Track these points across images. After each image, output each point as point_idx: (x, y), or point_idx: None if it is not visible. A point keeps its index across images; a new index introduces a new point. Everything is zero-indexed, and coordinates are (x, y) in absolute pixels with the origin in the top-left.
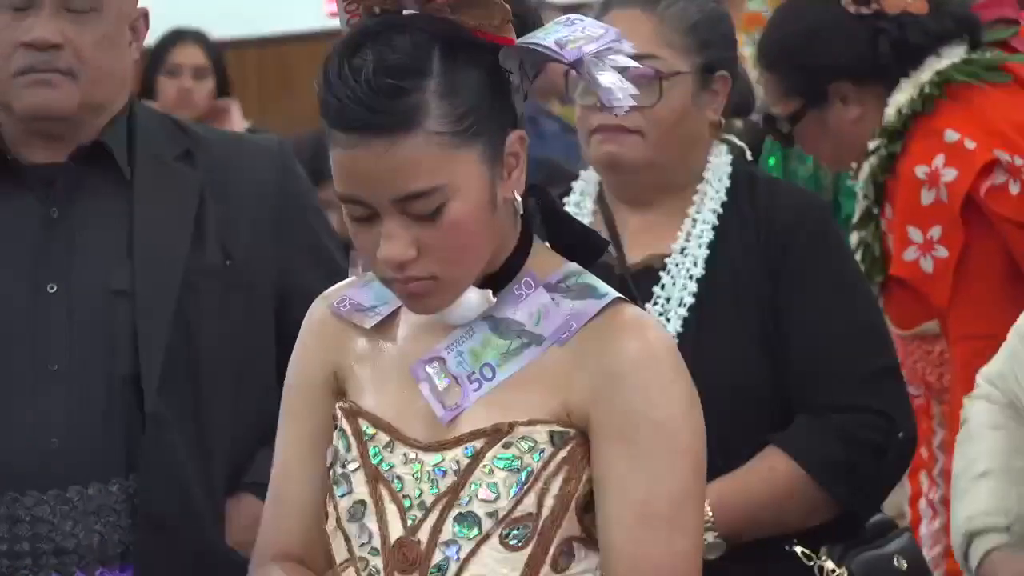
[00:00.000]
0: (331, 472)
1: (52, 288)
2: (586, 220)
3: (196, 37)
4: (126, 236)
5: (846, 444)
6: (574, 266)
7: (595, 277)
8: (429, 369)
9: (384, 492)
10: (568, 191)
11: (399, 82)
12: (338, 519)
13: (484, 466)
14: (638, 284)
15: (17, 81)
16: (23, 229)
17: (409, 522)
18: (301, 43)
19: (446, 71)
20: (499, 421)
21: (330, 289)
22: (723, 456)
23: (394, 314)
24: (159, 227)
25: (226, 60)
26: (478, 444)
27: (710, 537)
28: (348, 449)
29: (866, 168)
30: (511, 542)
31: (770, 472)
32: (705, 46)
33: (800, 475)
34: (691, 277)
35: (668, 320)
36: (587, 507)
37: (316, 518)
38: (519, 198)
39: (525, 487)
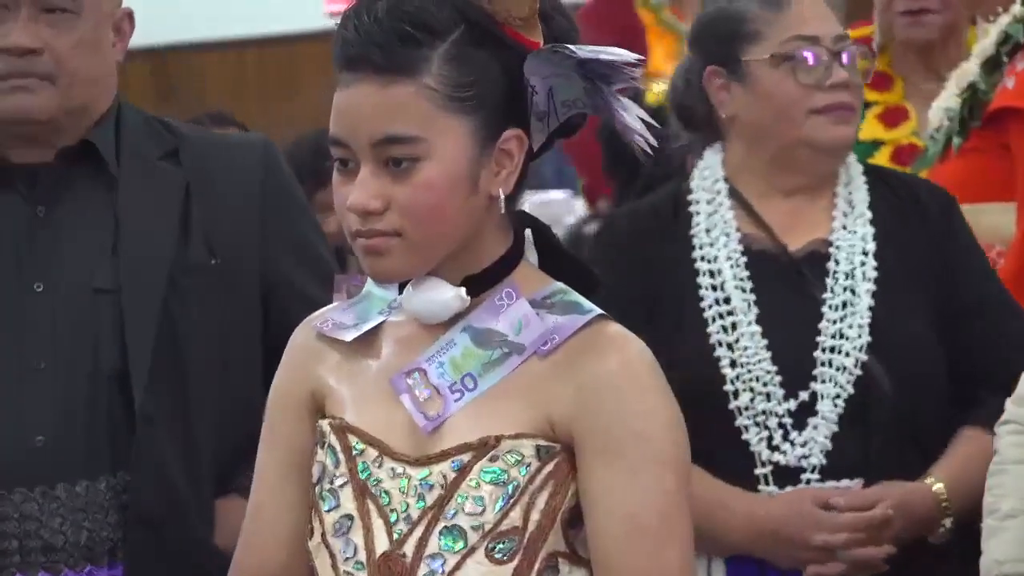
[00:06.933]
0: (317, 488)
1: (39, 287)
2: (729, 214)
3: (220, 119)
4: (112, 235)
5: None
6: (560, 285)
7: (580, 295)
8: (410, 381)
9: (371, 506)
10: (680, 187)
11: (410, 29)
12: (323, 534)
13: (471, 479)
14: (809, 268)
15: None
16: (9, 228)
17: (395, 536)
18: (302, 43)
19: (460, 43)
20: (484, 434)
21: (314, 313)
22: (911, 422)
23: (376, 331)
24: (144, 225)
25: (227, 60)
26: (465, 458)
27: (947, 523)
28: (337, 465)
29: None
30: (497, 556)
31: (988, 454)
32: None
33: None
34: (866, 252)
35: (856, 295)
36: (572, 522)
37: (295, 540)
38: (502, 195)
39: (511, 501)
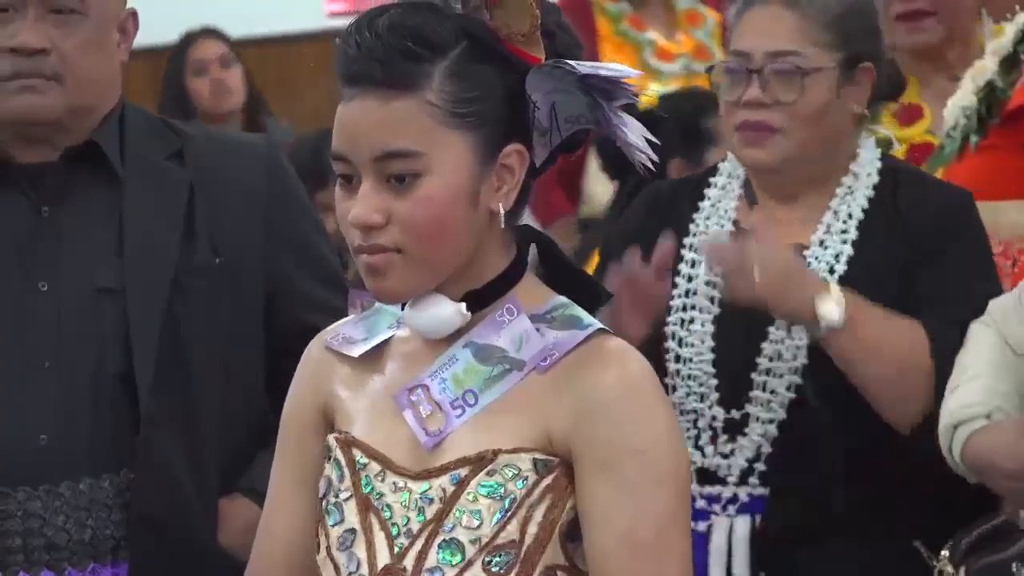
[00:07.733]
0: (324, 502)
1: (43, 286)
2: (731, 204)
3: (209, 32)
4: (116, 234)
5: None
6: (562, 299)
7: (582, 310)
8: (412, 397)
9: (374, 520)
10: (714, 171)
11: (411, 45)
12: (328, 548)
13: (468, 493)
14: None
15: (3, 87)
16: (13, 228)
17: (396, 549)
18: (301, 43)
19: (461, 59)
20: (484, 448)
21: (327, 327)
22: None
23: (384, 345)
24: (149, 225)
25: None
26: (463, 472)
27: (835, 291)
28: (341, 479)
29: None
30: (494, 569)
31: (909, 325)
32: (848, 39)
33: (927, 352)
34: (832, 271)
35: None
36: (571, 535)
37: (304, 554)
38: (502, 211)
39: (508, 514)
